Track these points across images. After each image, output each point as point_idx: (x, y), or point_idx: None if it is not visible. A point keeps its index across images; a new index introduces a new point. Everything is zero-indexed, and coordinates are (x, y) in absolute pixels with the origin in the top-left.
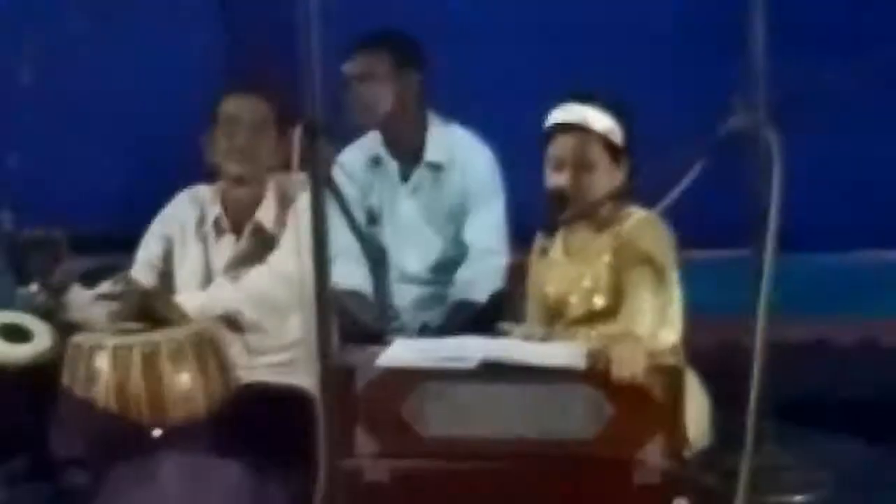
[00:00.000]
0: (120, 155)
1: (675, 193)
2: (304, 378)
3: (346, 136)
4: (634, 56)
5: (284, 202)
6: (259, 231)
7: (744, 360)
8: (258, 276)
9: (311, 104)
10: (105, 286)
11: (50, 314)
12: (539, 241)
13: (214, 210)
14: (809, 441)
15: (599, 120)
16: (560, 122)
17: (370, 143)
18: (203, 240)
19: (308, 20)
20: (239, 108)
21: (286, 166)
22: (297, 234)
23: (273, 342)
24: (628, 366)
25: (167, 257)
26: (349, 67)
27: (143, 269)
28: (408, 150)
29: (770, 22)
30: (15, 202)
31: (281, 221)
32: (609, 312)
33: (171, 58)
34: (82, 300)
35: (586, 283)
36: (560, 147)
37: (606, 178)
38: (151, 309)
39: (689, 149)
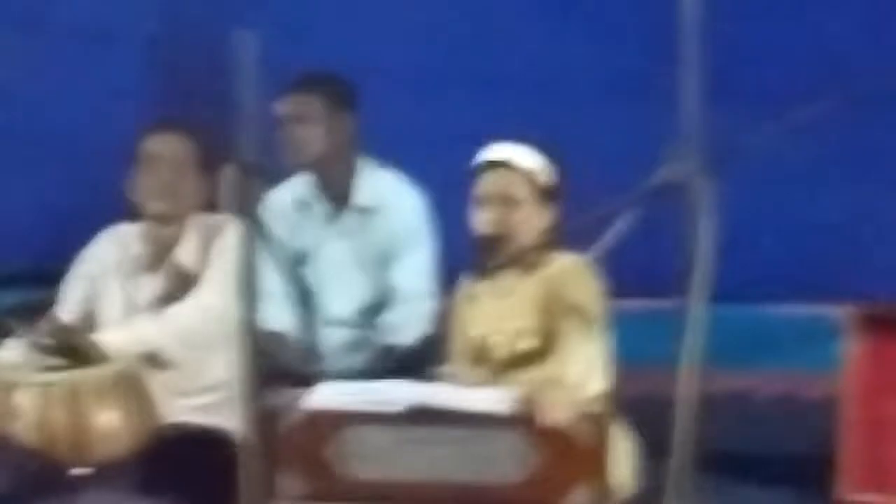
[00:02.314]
0: (47, 190)
1: (606, 241)
2: (228, 419)
3: (277, 177)
4: (569, 105)
5: (206, 241)
6: (179, 271)
7: (665, 412)
8: (180, 313)
9: (241, 145)
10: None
11: None
12: (465, 284)
13: (136, 248)
14: (732, 493)
15: (526, 159)
16: (486, 159)
17: (299, 184)
18: (125, 278)
19: (241, 62)
20: (160, 146)
21: (208, 206)
22: (220, 270)
23: (196, 382)
24: (555, 413)
25: (90, 297)
26: (282, 108)
27: (66, 308)
28: (337, 193)
29: (704, 73)
30: None
31: (202, 260)
32: (534, 356)
33: (100, 94)
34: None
35: (512, 325)
36: (484, 184)
37: (533, 217)
38: (71, 345)
39: (621, 197)
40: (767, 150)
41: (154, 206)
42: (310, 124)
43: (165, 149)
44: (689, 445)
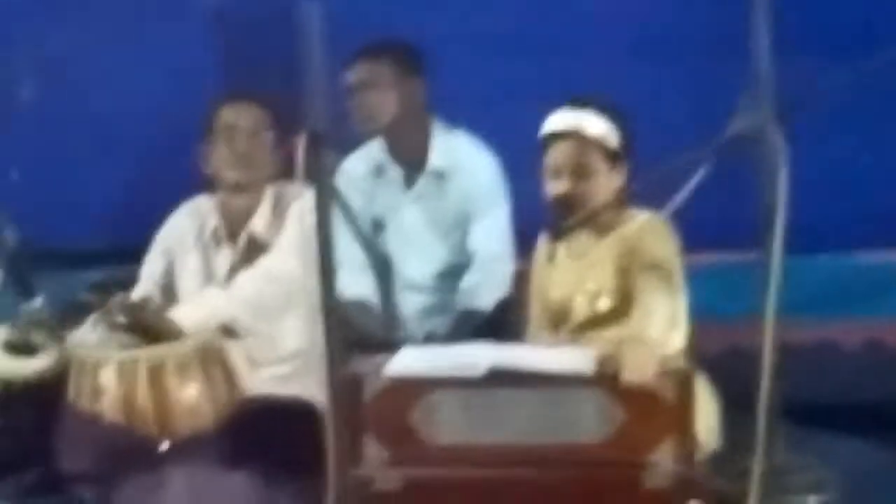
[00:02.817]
0: (124, 166)
1: (680, 197)
2: (309, 389)
3: (350, 144)
4: (638, 61)
5: (279, 210)
6: (253, 240)
7: (751, 364)
8: (245, 280)
9: (313, 113)
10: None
11: (54, 329)
12: (542, 246)
13: (213, 220)
14: (819, 443)
15: (594, 125)
16: (554, 130)
17: (373, 151)
18: (203, 251)
19: (309, 29)
20: (236, 115)
21: (284, 174)
22: (288, 237)
23: (273, 352)
24: (639, 370)
25: (169, 271)
26: (351, 76)
27: (146, 284)
28: (411, 158)
29: (774, 24)
30: (18, 217)
31: (275, 228)
32: (614, 316)
33: (170, 70)
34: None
35: (591, 286)
36: (556, 155)
37: (605, 182)
38: (144, 322)
39: (693, 152)
40: (839, 99)
41: (230, 175)
42: (380, 90)
43: (241, 119)
44: (772, 397)
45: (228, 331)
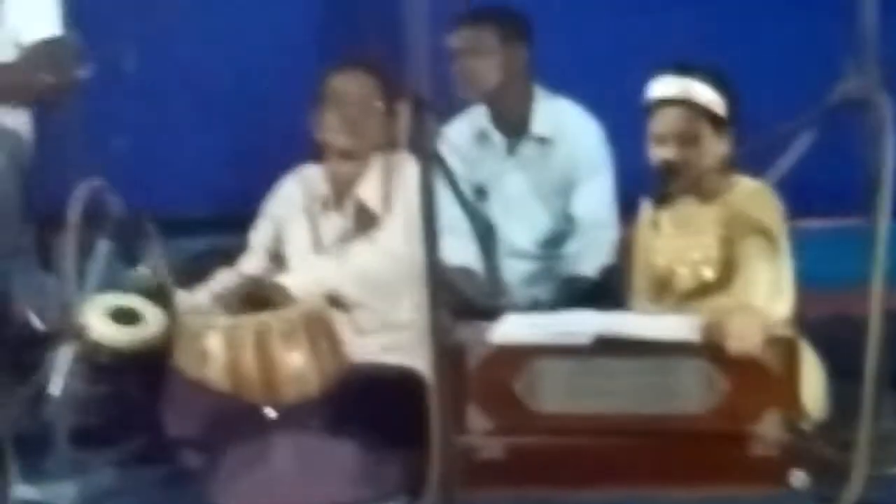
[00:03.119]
0: (229, 135)
1: (785, 163)
2: (416, 358)
3: (452, 111)
4: (742, 21)
5: (388, 179)
6: (361, 208)
7: (857, 332)
8: (362, 254)
9: (416, 79)
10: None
11: (161, 295)
12: (646, 212)
13: (321, 187)
14: None
15: (701, 92)
16: (661, 96)
17: (476, 116)
18: (311, 218)
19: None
20: (345, 84)
21: (393, 143)
22: (401, 212)
23: (382, 322)
24: (744, 338)
25: (277, 238)
26: (455, 41)
27: (255, 252)
28: (514, 124)
29: None
30: (124, 185)
31: (385, 198)
32: (719, 285)
33: (271, 35)
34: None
35: (695, 254)
36: (663, 122)
37: (710, 149)
38: (259, 295)
39: (799, 117)
40: None
41: (339, 141)
42: (484, 56)
43: (350, 86)
44: (881, 365)
45: (334, 301)
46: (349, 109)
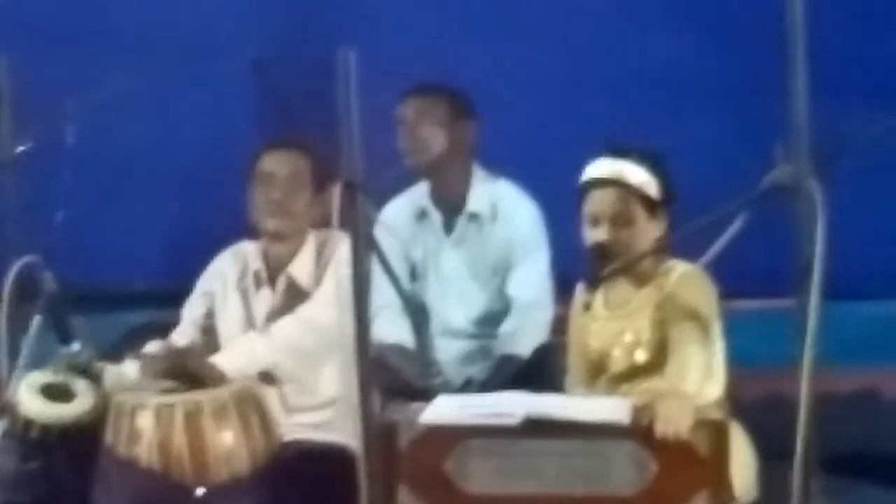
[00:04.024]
0: (166, 211)
1: (717, 247)
2: (346, 436)
3: (387, 190)
4: (678, 108)
5: (321, 257)
6: (292, 285)
7: (791, 412)
8: (286, 326)
9: (349, 162)
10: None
11: (93, 373)
12: (580, 294)
13: (254, 264)
14: (857, 494)
15: (634, 174)
16: (594, 177)
17: (416, 195)
18: (244, 295)
19: (346, 78)
20: (275, 163)
21: (326, 221)
22: (328, 284)
23: (311, 398)
24: (674, 422)
25: (210, 314)
26: (404, 109)
27: (187, 326)
28: (452, 201)
29: (812, 70)
30: (61, 259)
31: (316, 276)
32: (651, 367)
33: (209, 111)
34: (117, 376)
35: (628, 337)
36: (596, 203)
37: (644, 232)
38: (186, 368)
39: (732, 202)
40: (879, 146)
41: (270, 223)
42: (431, 126)
43: (279, 167)
44: (812, 446)
45: (267, 377)
46: (277, 191)
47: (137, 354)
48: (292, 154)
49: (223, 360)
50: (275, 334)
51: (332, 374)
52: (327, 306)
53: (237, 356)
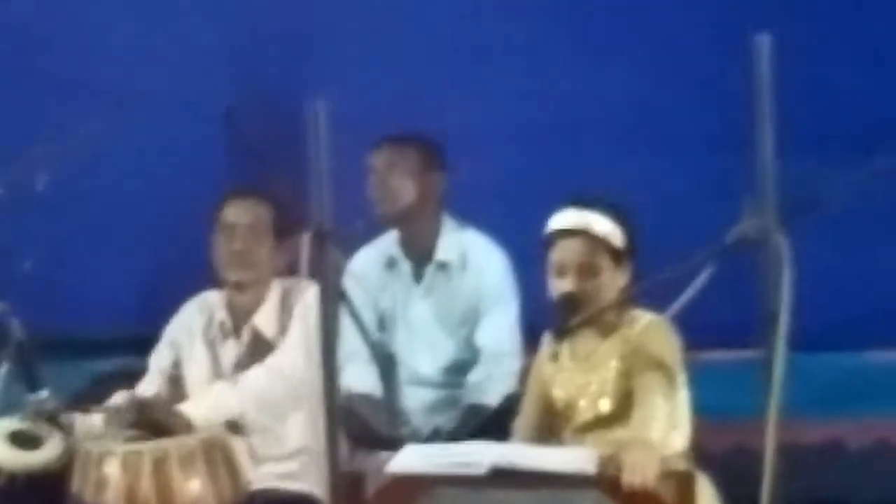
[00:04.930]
0: (135, 258)
1: (685, 298)
2: (313, 485)
3: (355, 241)
4: (644, 159)
5: (285, 305)
6: (257, 335)
7: (756, 463)
8: (254, 376)
9: (318, 211)
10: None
11: (60, 420)
12: (547, 344)
13: (220, 314)
14: None
15: (600, 224)
16: (560, 227)
17: (385, 243)
18: (210, 344)
19: (315, 128)
20: (236, 213)
21: (289, 271)
22: (295, 333)
23: (279, 447)
24: (640, 472)
25: (177, 363)
26: (375, 158)
27: (154, 376)
28: (421, 251)
29: (778, 124)
30: (27, 307)
31: (280, 325)
32: (616, 417)
33: (178, 160)
34: (86, 426)
35: (593, 387)
36: (562, 252)
37: (610, 281)
38: (152, 418)
39: (698, 254)
40: (845, 200)
41: (231, 274)
42: (402, 175)
43: (241, 217)
44: (777, 496)
45: (235, 426)
46: (238, 242)
47: (103, 407)
48: (253, 203)
49: (190, 409)
50: (243, 384)
51: (301, 423)
52: (295, 356)
53: (204, 405)
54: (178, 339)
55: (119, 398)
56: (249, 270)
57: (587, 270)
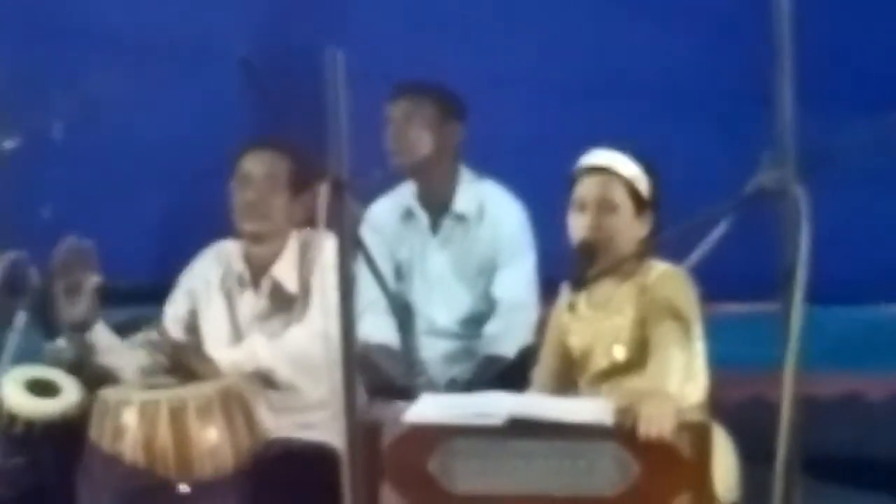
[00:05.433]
0: (153, 208)
1: (702, 250)
2: (331, 434)
3: (373, 191)
4: (664, 113)
5: (305, 258)
6: (277, 288)
7: (774, 415)
8: (296, 337)
9: (335, 161)
10: (140, 336)
11: (78, 368)
12: (565, 294)
13: (238, 265)
14: (840, 498)
15: (627, 166)
16: (588, 164)
17: (402, 194)
18: (227, 295)
19: (333, 76)
20: (252, 164)
21: (308, 222)
22: (327, 293)
23: (303, 400)
24: (657, 423)
25: (193, 313)
26: (393, 109)
27: (171, 324)
28: (438, 202)
29: (798, 77)
30: (44, 256)
31: (299, 277)
32: (631, 365)
33: (201, 112)
34: (109, 342)
35: (610, 336)
36: (584, 188)
37: (630, 225)
38: (184, 362)
39: (717, 205)
40: (863, 153)
41: (246, 225)
42: (419, 127)
43: (258, 168)
44: (794, 449)
45: (267, 380)
46: (255, 193)
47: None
48: (270, 155)
49: (224, 357)
50: (284, 344)
51: (327, 378)
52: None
53: (236, 354)
54: (194, 288)
55: (152, 334)
56: (264, 221)
57: (606, 207)
